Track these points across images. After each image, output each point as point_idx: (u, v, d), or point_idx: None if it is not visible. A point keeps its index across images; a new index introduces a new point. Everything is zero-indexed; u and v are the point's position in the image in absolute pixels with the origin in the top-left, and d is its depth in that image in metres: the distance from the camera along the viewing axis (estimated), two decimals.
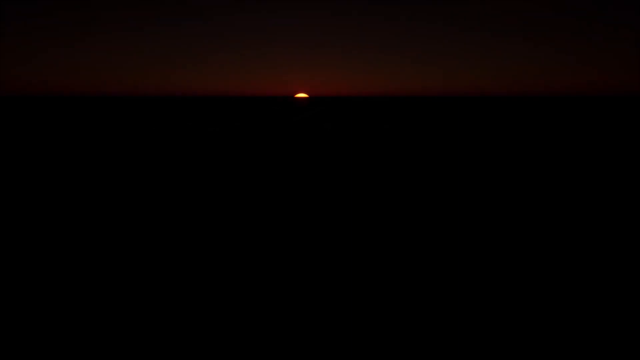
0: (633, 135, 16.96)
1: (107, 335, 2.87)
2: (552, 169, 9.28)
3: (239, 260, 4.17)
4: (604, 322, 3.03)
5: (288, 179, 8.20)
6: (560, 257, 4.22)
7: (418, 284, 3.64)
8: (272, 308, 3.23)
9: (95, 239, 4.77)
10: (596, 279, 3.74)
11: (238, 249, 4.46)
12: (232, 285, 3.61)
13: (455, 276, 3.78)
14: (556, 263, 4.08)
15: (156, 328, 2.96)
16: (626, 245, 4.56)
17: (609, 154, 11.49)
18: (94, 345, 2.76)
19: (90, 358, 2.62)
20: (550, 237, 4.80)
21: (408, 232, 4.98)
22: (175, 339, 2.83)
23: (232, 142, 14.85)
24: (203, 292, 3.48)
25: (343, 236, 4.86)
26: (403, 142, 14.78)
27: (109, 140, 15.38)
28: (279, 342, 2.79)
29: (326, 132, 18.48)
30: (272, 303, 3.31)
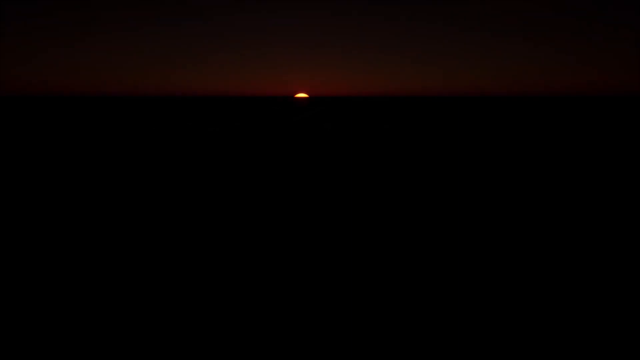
0: (633, 135, 16.95)
1: (107, 335, 2.87)
2: (552, 169, 9.28)
3: (239, 260, 4.17)
4: (604, 322, 3.03)
5: (288, 178, 8.20)
6: (561, 257, 4.22)
7: (418, 283, 3.64)
8: (272, 308, 3.23)
9: (95, 239, 4.77)
10: (596, 278, 3.74)
11: (238, 249, 4.46)
12: (233, 285, 3.61)
13: (456, 276, 3.78)
14: (556, 263, 4.08)
15: (156, 328, 2.96)
16: (626, 245, 4.56)
17: (609, 154, 11.49)
18: (94, 345, 2.76)
19: (90, 358, 2.62)
20: (551, 237, 4.80)
21: (408, 232, 4.98)
22: (175, 339, 2.83)
23: (232, 142, 14.85)
24: (203, 292, 3.48)
25: (343, 236, 4.85)
26: (403, 142, 14.78)
27: (109, 141, 15.38)
28: (279, 342, 2.79)
29: (326, 132, 18.48)
30: (272, 303, 3.30)
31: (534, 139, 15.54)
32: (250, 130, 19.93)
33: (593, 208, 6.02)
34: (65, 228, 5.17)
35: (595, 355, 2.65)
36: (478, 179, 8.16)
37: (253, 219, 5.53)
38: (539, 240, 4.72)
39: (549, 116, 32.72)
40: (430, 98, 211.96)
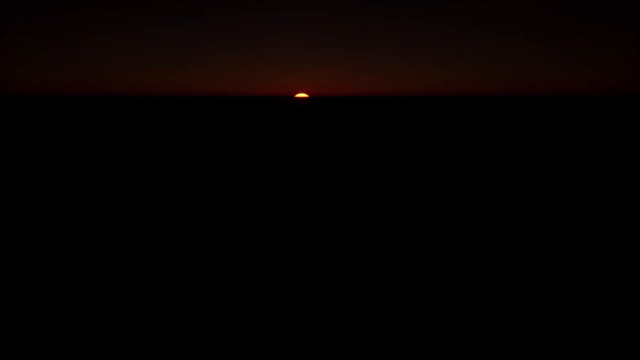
0: (633, 135, 16.96)
1: (107, 335, 2.87)
2: (552, 169, 9.28)
3: (240, 260, 4.17)
4: (604, 322, 3.03)
5: (288, 178, 8.20)
6: (561, 257, 4.22)
7: (418, 283, 3.64)
8: (272, 308, 3.23)
9: (95, 239, 4.77)
10: (596, 278, 3.74)
11: (238, 249, 4.46)
12: (233, 285, 3.61)
13: (456, 276, 3.78)
14: (556, 263, 4.08)
15: (156, 328, 2.96)
16: (626, 244, 4.55)
17: (609, 154, 11.49)
18: (94, 345, 2.76)
19: (90, 358, 2.62)
20: (551, 237, 4.80)
21: (408, 232, 4.98)
22: (175, 339, 2.83)
23: (232, 142, 14.85)
24: (203, 292, 3.48)
25: (343, 236, 4.85)
26: (403, 142, 14.79)
27: (109, 141, 15.38)
28: (279, 342, 2.79)
29: (326, 132, 18.48)
30: (272, 303, 3.30)
31: (534, 139, 15.54)
32: (250, 130, 19.93)
33: (593, 208, 6.02)
34: (66, 228, 5.17)
35: (595, 356, 2.65)
36: (478, 178, 8.16)
37: (253, 219, 5.53)
38: (539, 240, 4.72)
39: (549, 116, 32.72)
40: (430, 98, 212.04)
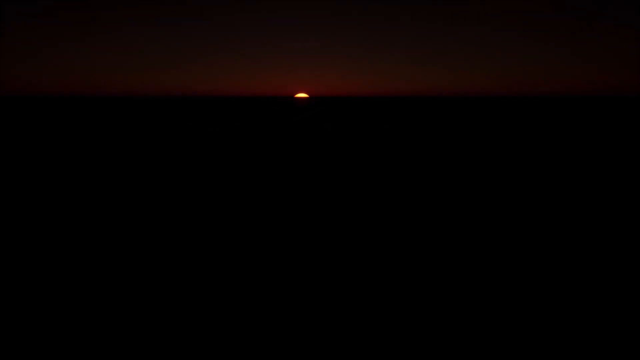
0: (633, 135, 16.96)
1: (107, 335, 2.87)
2: (553, 168, 9.28)
3: (240, 260, 4.17)
4: (603, 321, 3.03)
5: (288, 178, 8.21)
6: (561, 257, 4.22)
7: (418, 283, 3.64)
8: (272, 308, 3.23)
9: (95, 239, 4.77)
10: (596, 278, 3.74)
11: (238, 249, 4.46)
12: (233, 285, 3.61)
13: (456, 276, 3.78)
14: (556, 263, 4.08)
15: (156, 328, 2.96)
16: (626, 244, 4.56)
17: (609, 154, 11.49)
18: (94, 345, 2.76)
19: (90, 358, 2.62)
20: (551, 237, 4.80)
21: (408, 232, 4.98)
22: (175, 339, 2.83)
23: (232, 142, 14.85)
24: (203, 292, 3.48)
25: (343, 236, 4.85)
26: (403, 142, 14.79)
27: (109, 141, 15.38)
28: (279, 342, 2.79)
29: (326, 132, 18.48)
30: (272, 303, 3.30)
31: (535, 139, 15.54)
32: (251, 130, 19.93)
33: (593, 208, 6.02)
34: (66, 228, 5.17)
35: (595, 356, 2.65)
36: (478, 178, 8.16)
37: (253, 219, 5.53)
38: (539, 239, 4.72)
39: (549, 116, 32.72)
40: (430, 98, 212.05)
